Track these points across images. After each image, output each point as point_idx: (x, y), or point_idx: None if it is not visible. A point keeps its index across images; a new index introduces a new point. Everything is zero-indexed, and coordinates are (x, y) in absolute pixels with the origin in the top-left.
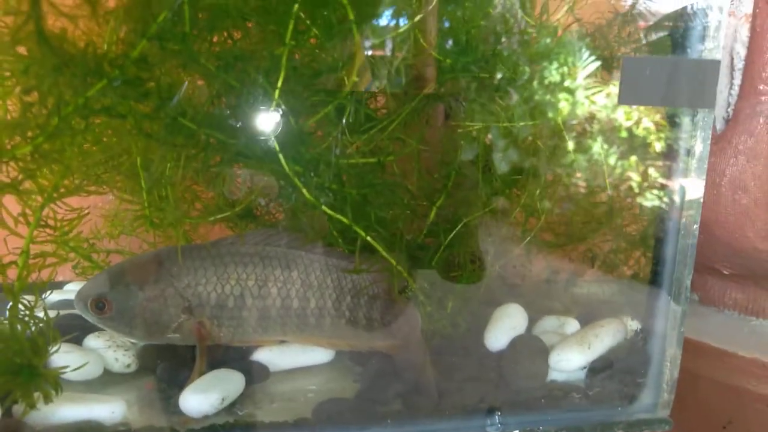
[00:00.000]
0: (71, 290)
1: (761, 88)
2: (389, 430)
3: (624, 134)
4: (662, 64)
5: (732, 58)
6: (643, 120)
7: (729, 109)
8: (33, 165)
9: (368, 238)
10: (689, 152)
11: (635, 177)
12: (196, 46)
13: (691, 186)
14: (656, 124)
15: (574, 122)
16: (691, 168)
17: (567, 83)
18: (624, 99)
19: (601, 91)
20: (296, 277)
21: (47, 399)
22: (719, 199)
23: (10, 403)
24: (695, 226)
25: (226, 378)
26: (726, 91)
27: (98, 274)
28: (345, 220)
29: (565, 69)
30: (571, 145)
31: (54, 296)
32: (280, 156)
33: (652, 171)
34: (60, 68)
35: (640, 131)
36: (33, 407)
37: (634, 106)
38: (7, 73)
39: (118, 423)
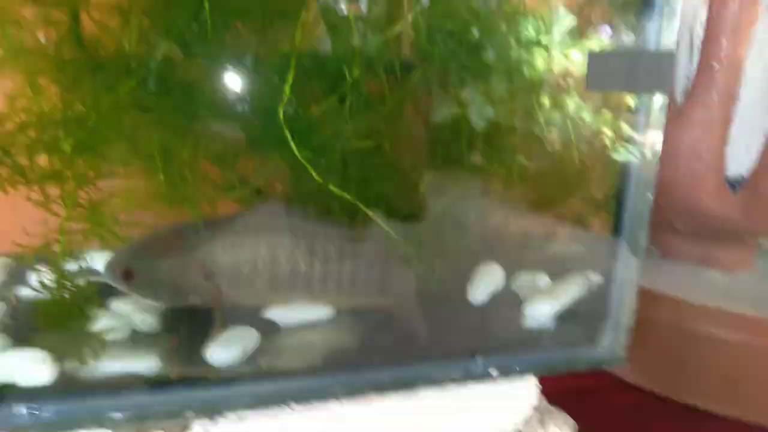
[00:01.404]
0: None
1: (716, 66)
2: (388, 373)
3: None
4: (623, 57)
5: (692, 37)
6: None
7: (689, 84)
8: (74, 156)
9: (369, 212)
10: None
11: (601, 133)
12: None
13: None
14: None
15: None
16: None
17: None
18: (590, 87)
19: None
20: (302, 246)
21: (96, 356)
22: (677, 165)
23: (64, 360)
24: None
25: (244, 334)
26: (686, 67)
27: (125, 246)
28: (350, 198)
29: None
30: (544, 100)
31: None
32: (291, 143)
33: (614, 128)
34: (95, 69)
35: None
36: (84, 363)
37: None
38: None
39: (158, 373)
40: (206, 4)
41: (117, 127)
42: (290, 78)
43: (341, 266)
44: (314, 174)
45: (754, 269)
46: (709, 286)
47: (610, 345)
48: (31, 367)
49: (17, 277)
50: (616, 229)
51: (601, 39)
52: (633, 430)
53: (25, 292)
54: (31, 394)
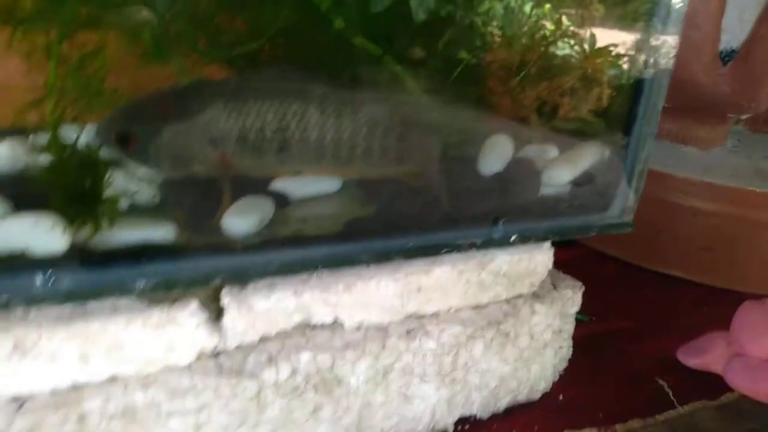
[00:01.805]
0: None
1: None
2: (413, 237)
3: None
4: None
5: None
6: None
7: None
8: None
9: (398, 68)
10: None
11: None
12: None
13: None
14: None
15: None
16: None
17: None
18: None
19: None
20: (313, 111)
21: (112, 222)
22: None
23: (77, 227)
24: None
25: (258, 203)
26: None
27: (119, 108)
28: (377, 50)
29: None
30: None
31: None
32: None
33: None
34: None
35: None
36: (99, 230)
37: None
38: None
39: (178, 241)
40: None
41: None
42: None
43: (356, 133)
44: (336, 22)
45: (727, 146)
46: (688, 160)
47: (619, 211)
48: (43, 234)
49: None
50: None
51: None
52: (615, 297)
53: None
54: (46, 263)
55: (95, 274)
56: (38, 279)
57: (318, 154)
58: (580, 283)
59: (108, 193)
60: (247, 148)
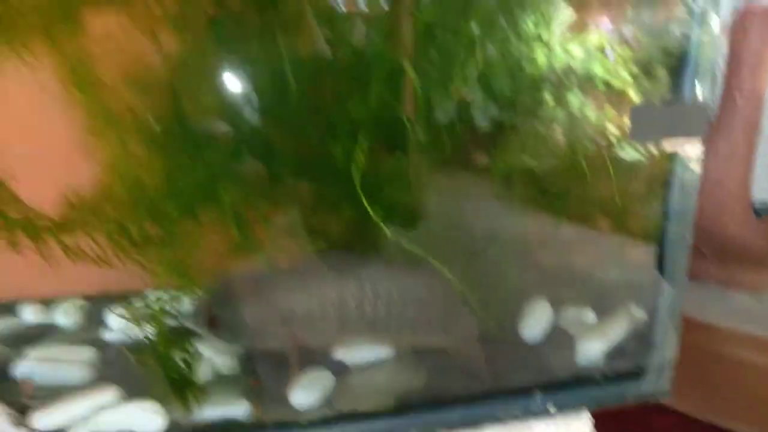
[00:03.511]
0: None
1: (738, 98)
2: (457, 411)
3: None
4: (663, 111)
5: (714, 69)
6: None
7: (711, 114)
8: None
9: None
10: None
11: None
12: None
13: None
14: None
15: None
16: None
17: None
18: (634, 138)
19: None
20: (368, 290)
21: (200, 404)
22: (702, 193)
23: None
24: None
25: (321, 376)
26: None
27: (207, 295)
28: (420, 252)
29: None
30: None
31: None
32: (365, 203)
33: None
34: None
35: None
36: (190, 411)
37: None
38: None
39: (251, 419)
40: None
41: (209, 193)
42: (362, 142)
43: (405, 309)
44: (386, 230)
45: None
46: (735, 308)
47: (656, 378)
48: (147, 417)
49: (92, 317)
50: (659, 264)
51: (602, 33)
52: None
53: (106, 335)
54: None
55: None
56: None
57: (371, 328)
58: None
59: (196, 374)
60: (312, 325)
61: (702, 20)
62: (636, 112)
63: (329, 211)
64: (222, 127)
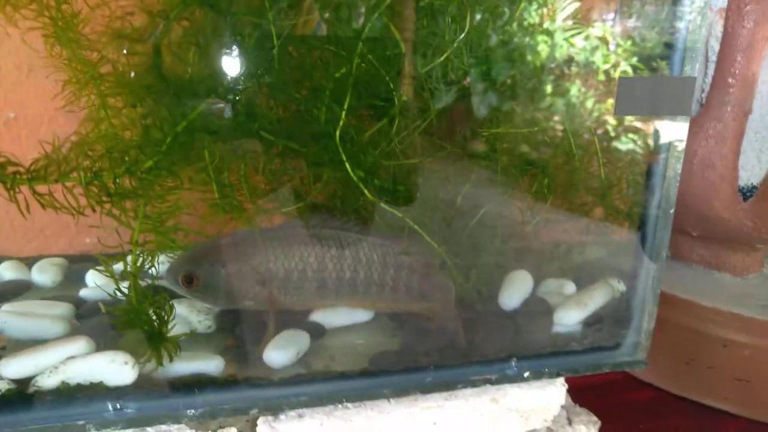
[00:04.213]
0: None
1: (730, 81)
2: (431, 375)
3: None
4: (650, 82)
5: (707, 50)
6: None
7: (702, 95)
8: (150, 176)
9: (415, 226)
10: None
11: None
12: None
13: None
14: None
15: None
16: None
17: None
18: (619, 111)
19: (580, 33)
20: (347, 254)
21: (172, 358)
22: (691, 174)
23: (144, 363)
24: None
25: (296, 336)
26: (701, 79)
27: (185, 254)
28: (398, 213)
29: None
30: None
31: None
32: (346, 163)
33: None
34: (171, 96)
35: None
36: (161, 365)
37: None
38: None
39: (224, 374)
40: (274, 39)
41: (188, 149)
42: (346, 103)
43: (384, 273)
44: (367, 192)
45: (762, 272)
46: (720, 288)
47: (633, 348)
48: (117, 369)
49: (72, 277)
50: (641, 240)
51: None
52: (648, 426)
53: (84, 292)
54: (117, 393)
55: (154, 403)
56: (110, 406)
57: (351, 291)
58: (595, 418)
59: (170, 329)
60: (290, 287)
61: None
62: (623, 84)
63: (312, 172)
64: (204, 85)
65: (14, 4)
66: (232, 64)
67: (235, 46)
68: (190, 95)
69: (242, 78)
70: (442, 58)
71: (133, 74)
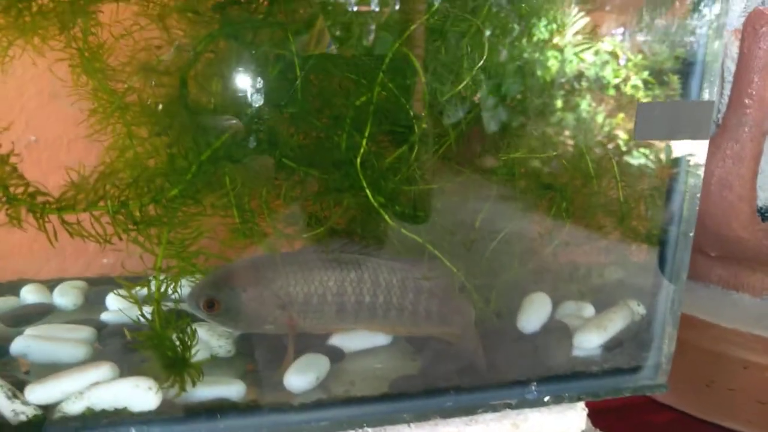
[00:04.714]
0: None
1: (747, 102)
2: (451, 399)
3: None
4: (668, 107)
5: (722, 71)
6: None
7: (719, 116)
8: (175, 203)
9: (435, 251)
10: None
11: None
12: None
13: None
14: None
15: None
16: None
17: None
18: (639, 136)
19: (590, 48)
20: (367, 278)
21: (195, 384)
22: (709, 194)
23: (167, 388)
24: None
25: (316, 361)
26: (717, 100)
27: (206, 278)
28: (418, 239)
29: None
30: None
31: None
32: (367, 190)
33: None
34: (196, 127)
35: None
36: (185, 390)
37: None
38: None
39: (245, 399)
40: (297, 69)
41: (212, 177)
42: (367, 131)
43: (403, 297)
44: (387, 218)
45: None
46: (739, 309)
47: (653, 372)
48: (141, 394)
49: (92, 299)
50: (660, 262)
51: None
52: None
53: (105, 316)
54: (141, 418)
55: (177, 428)
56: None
57: (370, 315)
58: None
59: (193, 355)
60: (310, 311)
61: (711, 22)
62: (642, 109)
63: (332, 198)
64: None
65: (42, 36)
66: (255, 93)
67: (258, 77)
68: (213, 124)
69: (265, 107)
70: (461, 86)
71: (159, 105)
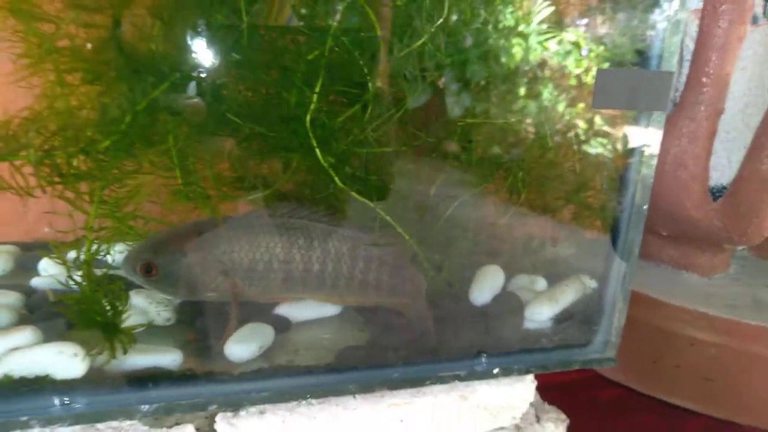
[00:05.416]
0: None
1: (704, 80)
2: (398, 370)
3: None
4: (627, 75)
5: (681, 50)
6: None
7: (676, 94)
8: (107, 157)
9: (387, 217)
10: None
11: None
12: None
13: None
14: None
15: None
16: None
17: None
18: (597, 104)
19: (554, 36)
20: (316, 245)
21: (126, 350)
22: (663, 173)
23: (95, 355)
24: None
25: (260, 330)
26: (675, 79)
27: (144, 241)
28: (370, 203)
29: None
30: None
31: None
32: (317, 149)
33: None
34: (132, 74)
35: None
36: (114, 357)
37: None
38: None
39: (182, 368)
40: (243, 15)
41: (148, 130)
42: (318, 86)
43: (354, 266)
44: (337, 180)
45: (728, 273)
46: (687, 288)
47: (602, 346)
48: (65, 361)
49: (24, 265)
50: (613, 240)
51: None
52: (614, 424)
53: (35, 281)
54: (65, 386)
55: (106, 398)
56: (56, 401)
57: (318, 284)
58: (564, 416)
59: (124, 320)
60: (255, 278)
61: (669, 18)
62: (601, 76)
63: (280, 158)
64: (168, 62)
65: None
66: (198, 42)
67: (201, 23)
68: (153, 73)
69: (209, 57)
70: (419, 43)
71: (90, 47)
